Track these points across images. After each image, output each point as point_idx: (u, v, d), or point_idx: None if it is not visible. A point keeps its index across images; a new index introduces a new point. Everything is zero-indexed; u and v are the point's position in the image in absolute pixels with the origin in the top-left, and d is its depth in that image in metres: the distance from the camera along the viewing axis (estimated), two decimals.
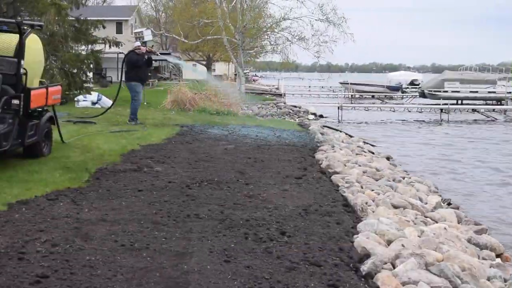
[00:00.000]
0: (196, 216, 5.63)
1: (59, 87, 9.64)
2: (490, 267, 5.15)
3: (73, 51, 19.40)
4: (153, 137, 11.55)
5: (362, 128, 23.59)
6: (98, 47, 20.64)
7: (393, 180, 9.10)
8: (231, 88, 21.57)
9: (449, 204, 8.65)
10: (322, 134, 14.74)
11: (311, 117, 25.07)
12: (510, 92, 36.66)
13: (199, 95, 19.92)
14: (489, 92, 40.41)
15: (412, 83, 58.48)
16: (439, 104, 32.23)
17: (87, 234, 4.89)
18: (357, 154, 11.82)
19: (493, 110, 32.33)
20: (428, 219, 6.77)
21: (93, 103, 18.12)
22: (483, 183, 11.67)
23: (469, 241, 5.92)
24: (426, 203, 7.83)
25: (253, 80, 65.11)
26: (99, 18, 21.16)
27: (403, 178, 9.73)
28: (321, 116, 27.49)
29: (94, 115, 14.22)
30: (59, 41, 18.46)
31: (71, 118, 13.64)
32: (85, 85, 19.46)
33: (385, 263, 4.67)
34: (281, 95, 34.98)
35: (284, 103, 28.93)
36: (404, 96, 47.84)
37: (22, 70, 7.91)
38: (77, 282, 3.85)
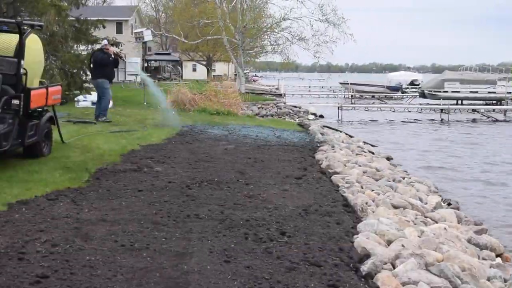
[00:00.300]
0: (196, 216, 5.63)
1: (59, 87, 9.64)
2: (490, 267, 5.16)
3: (73, 51, 19.39)
4: (153, 137, 11.55)
5: (362, 128, 23.58)
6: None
7: (393, 180, 9.10)
8: (230, 89, 21.31)
9: (449, 204, 8.65)
10: (322, 134, 14.73)
11: (311, 117, 25.08)
12: (510, 92, 36.66)
13: (199, 96, 19.92)
14: (489, 92, 40.40)
15: (412, 83, 58.48)
16: (439, 104, 32.23)
17: (87, 234, 4.89)
18: (357, 154, 11.82)
19: (493, 110, 32.33)
20: (428, 219, 6.77)
21: (93, 103, 18.08)
22: (483, 183, 11.68)
23: (469, 241, 5.92)
24: (426, 203, 7.83)
25: (253, 80, 65.08)
26: (99, 18, 21.14)
27: (403, 178, 9.73)
28: (321, 116, 27.50)
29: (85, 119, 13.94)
30: (59, 41, 18.46)
31: (71, 118, 13.63)
32: (85, 85, 19.43)
33: (385, 263, 4.67)
34: (281, 95, 34.95)
35: (284, 103, 28.91)
36: (404, 96, 47.84)
37: (22, 70, 7.90)
38: (77, 282, 3.85)
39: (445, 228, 6.18)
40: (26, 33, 8.28)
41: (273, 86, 50.78)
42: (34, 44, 8.63)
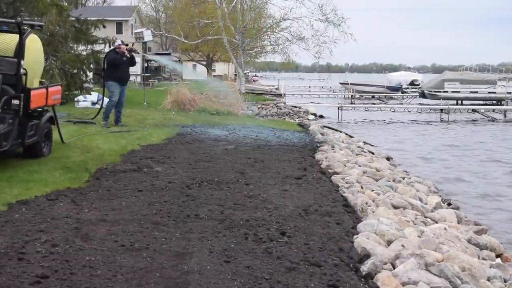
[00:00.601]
0: (196, 216, 5.63)
1: (59, 87, 9.64)
2: (490, 267, 5.15)
3: (73, 51, 19.39)
4: (153, 137, 11.55)
5: (362, 128, 23.59)
6: (98, 47, 20.62)
7: (393, 181, 9.10)
8: (230, 89, 21.36)
9: (449, 204, 8.65)
10: (322, 134, 14.73)
11: (311, 117, 25.09)
12: (510, 93, 36.65)
13: (199, 96, 19.93)
14: (489, 92, 40.41)
15: (412, 83, 58.43)
16: (439, 105, 32.24)
17: (87, 234, 4.89)
18: (357, 155, 11.83)
19: (493, 110, 32.33)
20: (428, 219, 6.77)
21: (93, 103, 18.11)
22: (483, 183, 11.68)
23: (469, 241, 5.92)
24: (426, 204, 7.83)
25: (253, 80, 65.09)
26: (99, 18, 21.13)
27: (403, 178, 9.73)
28: (321, 116, 27.51)
29: (85, 119, 13.86)
30: (59, 41, 18.46)
31: (71, 119, 13.63)
32: (85, 85, 19.44)
33: (385, 263, 4.67)
34: (281, 95, 34.97)
35: (284, 103, 28.94)
36: (404, 96, 47.83)
37: (22, 70, 7.91)
38: (77, 282, 3.85)
39: (445, 228, 6.18)
40: (26, 33, 8.28)
41: (273, 86, 50.81)
42: (34, 44, 8.63)
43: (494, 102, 38.23)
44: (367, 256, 4.74)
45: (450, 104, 32.52)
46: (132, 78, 37.15)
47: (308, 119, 23.77)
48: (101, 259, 4.30)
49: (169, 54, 53.64)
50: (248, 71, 59.13)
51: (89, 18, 20.06)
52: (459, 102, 38.60)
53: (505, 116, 30.27)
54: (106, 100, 17.29)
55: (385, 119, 28.41)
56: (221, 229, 5.22)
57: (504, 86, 39.70)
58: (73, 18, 19.22)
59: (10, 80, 7.73)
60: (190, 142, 11.25)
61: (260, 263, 4.37)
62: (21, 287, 3.75)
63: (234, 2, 29.20)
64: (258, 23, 32.92)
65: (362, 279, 4.30)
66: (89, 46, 20.11)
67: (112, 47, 14.07)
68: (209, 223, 5.38)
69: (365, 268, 4.48)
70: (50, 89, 8.84)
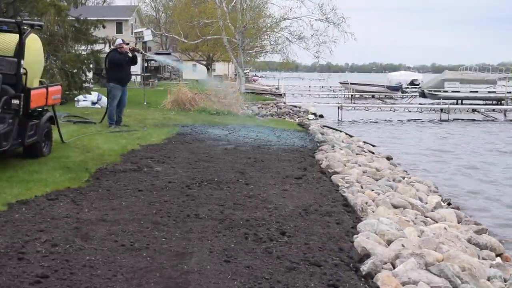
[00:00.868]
0: (196, 216, 5.63)
1: (59, 87, 9.64)
2: (490, 267, 5.16)
3: (73, 51, 19.39)
4: (153, 137, 11.55)
5: (362, 128, 23.58)
6: (98, 47, 20.62)
7: (393, 180, 9.10)
8: (231, 89, 21.28)
9: (449, 204, 8.66)
10: (322, 134, 14.74)
11: (311, 117, 25.07)
12: (510, 92, 36.65)
13: (199, 95, 19.93)
14: (489, 92, 40.42)
15: (412, 83, 58.48)
16: (439, 104, 32.24)
17: (87, 234, 4.89)
18: (357, 154, 11.83)
19: (493, 110, 32.33)
20: (428, 219, 6.77)
21: (93, 103, 18.12)
22: (483, 183, 11.68)
23: (469, 241, 5.92)
24: (426, 203, 7.83)
25: (253, 80, 65.09)
26: (99, 18, 21.13)
27: (403, 178, 9.73)
28: (321, 116, 27.50)
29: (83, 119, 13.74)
30: (59, 41, 18.46)
31: (71, 118, 13.62)
32: (85, 85, 19.44)
33: (385, 263, 4.67)
34: (281, 95, 34.97)
35: (284, 103, 28.92)
36: (404, 96, 47.83)
37: (22, 70, 7.90)
38: (77, 282, 3.85)
39: (445, 228, 6.18)
40: (26, 33, 8.28)
41: (273, 86, 50.83)
42: (34, 44, 8.63)
43: (494, 101, 38.24)
44: (367, 255, 4.74)
45: (450, 104, 32.52)
46: (132, 78, 37.19)
47: (308, 118, 23.75)
48: (101, 259, 4.30)
49: (169, 53, 53.64)
50: (248, 70, 59.08)
51: (89, 18, 20.05)
52: (459, 101, 38.62)
53: (505, 115, 30.26)
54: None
55: (385, 119, 28.40)
56: (221, 229, 5.22)
57: (504, 85, 39.71)
58: (73, 18, 19.21)
59: (10, 80, 7.73)
60: (190, 142, 11.25)
61: (260, 263, 4.37)
62: (21, 287, 3.75)
63: (234, 1, 29.17)
64: (258, 22, 32.90)
65: (362, 279, 4.30)
66: (89, 46, 20.10)
67: (112, 47, 13.73)
68: (209, 223, 5.39)
69: (365, 267, 4.48)
70: (50, 88, 8.84)
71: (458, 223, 6.99)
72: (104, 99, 18.51)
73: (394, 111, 31.90)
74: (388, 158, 13.07)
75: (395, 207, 6.93)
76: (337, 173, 8.84)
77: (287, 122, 19.90)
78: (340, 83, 55.53)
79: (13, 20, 9.85)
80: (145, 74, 32.19)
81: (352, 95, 45.58)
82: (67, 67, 18.49)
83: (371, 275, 4.41)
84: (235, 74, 39.71)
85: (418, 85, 54.57)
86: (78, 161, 8.39)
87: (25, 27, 8.41)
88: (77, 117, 14.02)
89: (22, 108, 7.74)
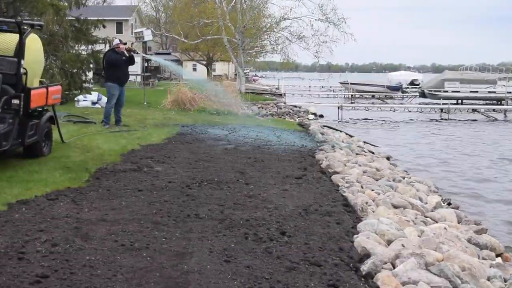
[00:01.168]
0: (196, 216, 5.63)
1: (59, 87, 9.64)
2: (490, 267, 5.16)
3: (73, 51, 19.39)
4: (153, 137, 11.55)
5: (362, 128, 23.59)
6: (98, 47, 20.62)
7: (393, 180, 9.10)
8: (228, 90, 20.84)
9: (449, 204, 8.66)
10: (322, 134, 14.74)
11: (311, 117, 25.09)
12: (510, 92, 36.65)
13: (199, 95, 19.93)
14: (489, 92, 40.41)
15: (412, 83, 58.47)
16: (439, 104, 32.24)
17: (87, 234, 4.89)
18: (357, 154, 11.83)
19: (493, 110, 32.33)
20: (428, 219, 6.77)
21: (93, 103, 18.13)
22: (484, 183, 11.68)
23: (469, 241, 5.92)
24: (426, 203, 7.83)
25: (253, 80, 65.09)
26: (99, 18, 21.12)
27: (403, 178, 9.73)
28: (321, 116, 27.52)
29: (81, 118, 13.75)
30: (59, 41, 18.45)
31: (71, 118, 13.62)
32: (85, 85, 19.43)
33: (385, 263, 4.67)
34: (281, 95, 34.98)
35: (284, 103, 28.94)
36: (404, 96, 47.83)
37: (22, 70, 7.90)
38: (77, 282, 3.85)
39: (445, 228, 6.18)
40: (26, 33, 8.27)
41: (273, 85, 50.80)
42: (34, 43, 8.63)
43: (494, 101, 38.23)
44: (367, 255, 4.74)
45: (450, 104, 32.52)
46: (132, 77, 37.16)
47: (308, 118, 23.76)
48: (101, 258, 4.30)
49: (169, 53, 53.66)
50: (248, 70, 59.10)
51: (89, 18, 20.04)
52: (459, 101, 38.61)
53: (505, 115, 30.27)
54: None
55: (385, 119, 28.41)
56: (221, 228, 5.22)
57: (504, 85, 39.69)
58: (73, 18, 19.22)
59: (10, 80, 7.73)
60: (190, 141, 11.25)
61: (260, 262, 4.37)
62: (21, 286, 3.75)
63: (234, 1, 29.18)
64: (258, 22, 32.90)
65: (362, 279, 4.30)
66: (89, 46, 20.10)
67: (111, 47, 13.71)
68: (209, 223, 5.39)
69: (365, 267, 4.48)
70: (50, 88, 8.84)
71: (458, 223, 7.00)
72: (104, 99, 18.51)
73: (394, 111, 31.91)
74: (388, 158, 13.08)
75: (395, 207, 6.93)
76: (337, 173, 8.84)
77: (287, 122, 19.91)
78: (340, 83, 55.49)
79: (13, 20, 9.85)
80: (145, 74, 32.20)
81: (352, 95, 45.58)
82: (67, 67, 18.50)
83: (371, 275, 4.41)
84: (235, 74, 39.70)
85: (418, 85, 54.55)
86: (78, 161, 8.39)
87: (25, 27, 8.41)
88: (77, 116, 14.02)
89: (22, 108, 7.74)
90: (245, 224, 5.38)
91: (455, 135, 21.63)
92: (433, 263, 4.69)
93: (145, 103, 19.94)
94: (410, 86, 55.60)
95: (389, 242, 5.22)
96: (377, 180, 8.83)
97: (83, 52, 19.74)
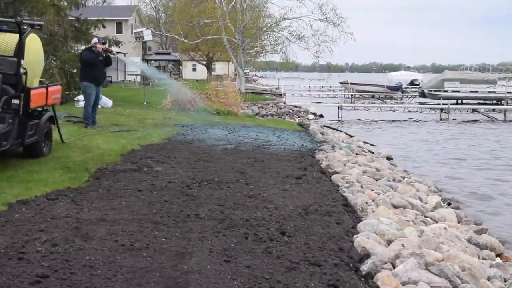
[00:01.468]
0: (196, 216, 5.63)
1: (59, 87, 9.64)
2: (490, 267, 5.16)
3: (73, 51, 19.40)
4: (153, 137, 11.55)
5: (362, 128, 23.58)
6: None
7: (393, 180, 9.10)
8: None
9: (449, 204, 8.66)
10: (322, 134, 14.75)
11: (311, 117, 25.10)
12: (510, 92, 36.65)
13: (199, 95, 19.93)
14: (489, 92, 40.41)
15: (412, 83, 58.44)
16: (439, 104, 32.23)
17: (87, 234, 4.89)
18: (357, 154, 11.83)
19: (493, 110, 32.32)
20: (428, 219, 6.77)
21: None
22: (483, 183, 11.67)
23: (469, 241, 5.92)
24: (426, 203, 7.84)
25: (253, 80, 65.09)
26: (99, 18, 21.13)
27: (403, 178, 9.73)
28: (321, 116, 27.52)
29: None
30: (59, 41, 18.47)
31: (71, 118, 13.62)
32: None
33: (385, 263, 4.67)
34: (281, 95, 35.00)
35: (284, 103, 28.97)
36: (404, 96, 47.82)
37: (22, 70, 7.90)
38: (77, 282, 3.85)
39: (445, 228, 6.18)
40: (26, 33, 8.27)
41: (273, 85, 50.82)
42: (34, 43, 8.62)
43: (494, 101, 38.23)
44: (367, 255, 4.74)
45: (450, 104, 32.52)
46: (132, 77, 37.19)
47: (308, 118, 23.78)
48: (101, 258, 4.30)
49: (169, 53, 53.68)
50: (248, 70, 59.10)
51: (89, 18, 20.07)
52: (459, 101, 38.61)
53: (505, 115, 30.27)
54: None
55: (385, 119, 28.41)
56: (221, 228, 5.22)
57: (504, 85, 39.69)
58: (73, 18, 19.23)
59: (10, 80, 7.73)
60: (190, 141, 11.25)
61: (260, 262, 4.37)
62: (21, 286, 3.75)
63: (234, 1, 29.18)
64: (258, 22, 32.90)
65: (362, 279, 4.30)
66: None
67: (87, 46, 13.31)
68: (209, 223, 5.39)
69: (365, 267, 4.48)
70: (50, 88, 8.83)
71: (458, 223, 7.00)
72: (104, 99, 18.52)
73: (394, 111, 31.92)
74: (388, 158, 13.08)
75: (395, 207, 6.93)
76: (337, 173, 8.84)
77: (287, 122, 19.91)
78: (340, 83, 55.54)
79: (13, 20, 9.85)
80: (145, 74, 32.16)
81: (352, 95, 45.58)
82: (67, 67, 18.52)
83: (371, 275, 4.41)
84: (235, 74, 39.70)
85: (418, 85, 54.52)
86: (78, 161, 8.39)
87: (25, 27, 8.41)
88: (77, 117, 14.01)
89: (22, 108, 7.74)
90: (245, 224, 5.38)
91: (455, 135, 21.63)
92: (433, 263, 4.69)
93: (145, 103, 19.93)
94: (410, 86, 55.58)
95: (389, 242, 5.22)
96: (377, 180, 8.83)
97: None
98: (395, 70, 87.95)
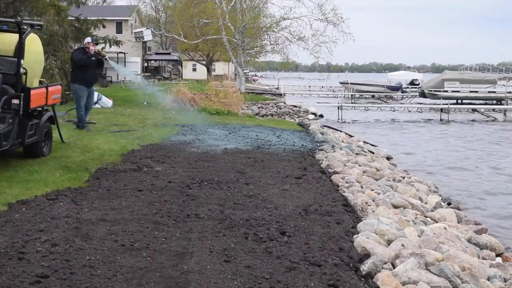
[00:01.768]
0: (196, 216, 5.63)
1: (59, 87, 9.63)
2: (490, 266, 5.16)
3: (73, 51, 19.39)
4: (153, 137, 11.55)
5: (362, 128, 23.58)
6: (98, 47, 20.60)
7: (393, 180, 9.11)
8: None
9: (449, 204, 8.67)
10: (322, 134, 14.75)
11: (311, 117, 25.09)
12: (510, 92, 36.64)
13: (199, 95, 19.93)
14: (489, 92, 40.40)
15: (412, 83, 58.49)
16: (439, 104, 32.23)
17: (87, 234, 4.89)
18: (357, 154, 11.83)
19: (493, 110, 32.32)
20: (428, 219, 6.78)
21: (94, 103, 18.11)
22: (483, 183, 11.67)
23: (469, 241, 5.93)
24: (426, 203, 7.84)
25: (253, 80, 65.13)
26: (99, 18, 21.13)
27: (403, 178, 9.73)
28: (321, 116, 27.52)
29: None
30: (59, 41, 18.47)
31: (71, 118, 13.61)
32: None
33: (385, 263, 4.67)
34: (281, 95, 34.98)
35: (284, 103, 28.92)
36: (404, 96, 47.83)
37: (22, 70, 7.90)
38: (77, 282, 3.85)
39: (445, 228, 6.18)
40: (26, 33, 8.27)
41: (273, 85, 50.83)
42: (33, 43, 8.62)
43: (494, 101, 38.22)
44: (367, 255, 4.74)
45: (450, 104, 32.50)
46: (132, 77, 37.10)
47: (308, 118, 23.77)
48: (101, 258, 4.30)
49: (168, 53, 53.70)
50: (248, 70, 59.15)
51: (89, 18, 20.07)
52: (459, 101, 38.60)
53: (505, 115, 30.27)
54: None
55: (385, 119, 28.41)
56: (221, 228, 5.22)
57: (504, 85, 39.68)
58: (73, 18, 19.23)
59: (10, 80, 7.73)
60: (190, 141, 11.25)
61: (260, 262, 4.37)
62: (21, 286, 3.75)
63: (234, 1, 29.16)
64: (258, 22, 32.88)
65: (362, 279, 4.30)
66: None
67: (80, 45, 13.00)
68: (209, 223, 5.39)
69: (365, 267, 4.48)
70: (50, 88, 8.83)
71: (458, 223, 7.00)
72: (104, 99, 18.54)
73: (394, 111, 31.92)
74: (388, 158, 13.09)
75: (395, 207, 6.94)
76: (337, 173, 8.84)
77: (287, 122, 19.91)
78: (340, 83, 55.51)
79: (13, 20, 9.84)
80: (145, 74, 32.18)
81: (352, 95, 45.57)
82: (67, 67, 18.50)
83: (371, 275, 4.41)
84: (235, 74, 39.70)
85: (418, 85, 54.55)
86: (78, 161, 8.39)
87: (25, 27, 8.40)
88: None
89: (22, 108, 7.74)
90: (245, 224, 5.38)
91: (455, 135, 21.63)
92: (433, 263, 4.69)
93: (145, 103, 19.93)
94: (410, 86, 55.62)
95: (389, 242, 5.22)
96: (377, 180, 8.83)
97: None
98: (395, 70, 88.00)
